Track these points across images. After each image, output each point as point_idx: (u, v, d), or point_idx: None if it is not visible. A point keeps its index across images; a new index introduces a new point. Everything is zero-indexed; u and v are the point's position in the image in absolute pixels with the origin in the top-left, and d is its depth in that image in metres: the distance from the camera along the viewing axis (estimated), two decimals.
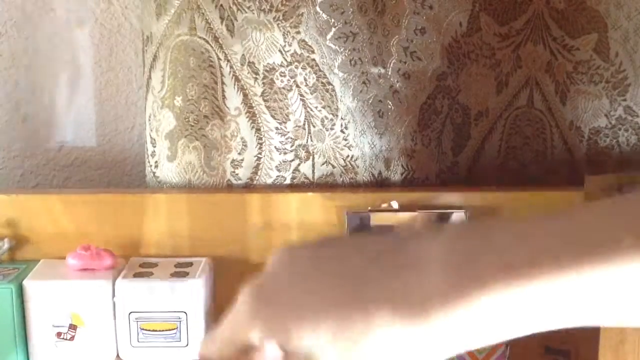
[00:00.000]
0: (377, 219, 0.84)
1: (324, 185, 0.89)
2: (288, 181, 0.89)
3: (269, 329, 0.44)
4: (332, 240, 0.47)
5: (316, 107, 0.87)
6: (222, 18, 0.86)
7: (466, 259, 0.40)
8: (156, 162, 0.91)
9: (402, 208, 0.84)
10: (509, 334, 0.40)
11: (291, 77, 0.87)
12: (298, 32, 0.86)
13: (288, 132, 0.88)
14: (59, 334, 0.80)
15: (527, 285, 0.38)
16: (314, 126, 0.88)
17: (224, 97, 0.88)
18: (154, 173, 0.92)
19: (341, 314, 0.41)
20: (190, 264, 0.84)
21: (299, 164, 0.89)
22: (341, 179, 0.89)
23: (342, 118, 0.88)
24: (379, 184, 0.90)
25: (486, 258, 0.40)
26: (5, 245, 0.84)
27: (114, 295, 0.80)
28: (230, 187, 0.89)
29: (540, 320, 0.40)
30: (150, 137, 0.92)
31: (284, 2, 0.85)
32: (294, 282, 0.45)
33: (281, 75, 0.87)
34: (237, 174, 0.89)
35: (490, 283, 0.39)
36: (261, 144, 0.88)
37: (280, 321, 0.44)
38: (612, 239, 0.38)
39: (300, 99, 0.87)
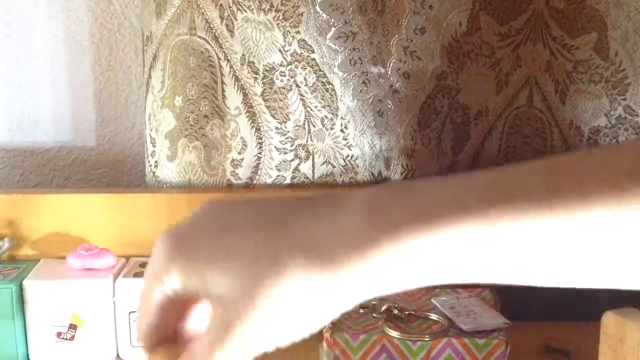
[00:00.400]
0: None
1: (324, 185, 0.89)
2: (288, 181, 0.89)
3: (185, 274, 0.43)
4: (258, 198, 0.47)
5: (316, 107, 0.87)
6: (222, 18, 0.86)
7: (380, 210, 0.40)
8: (156, 161, 0.91)
9: None
10: (417, 282, 0.40)
11: (291, 77, 0.87)
12: (298, 32, 0.86)
13: (288, 131, 0.88)
14: (59, 334, 0.80)
15: (433, 234, 0.39)
16: (314, 126, 0.88)
17: (223, 96, 0.88)
18: (153, 173, 0.92)
19: (253, 258, 0.41)
20: None
21: (299, 164, 0.89)
22: (341, 179, 0.89)
23: (342, 118, 0.88)
24: (379, 183, 0.90)
25: (398, 208, 0.40)
26: (5, 245, 0.84)
27: (114, 295, 0.80)
28: (230, 187, 0.89)
29: (447, 271, 0.40)
30: (150, 137, 0.91)
31: (284, 1, 0.85)
32: (211, 229, 0.44)
33: (281, 75, 0.87)
34: (237, 174, 0.89)
35: (399, 232, 0.39)
36: (261, 143, 0.88)
37: (195, 265, 0.43)
38: (518, 194, 0.38)
39: (300, 99, 0.87)
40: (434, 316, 0.74)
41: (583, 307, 0.86)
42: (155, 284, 0.46)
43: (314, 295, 0.41)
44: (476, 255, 0.39)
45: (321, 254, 0.40)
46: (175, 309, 0.47)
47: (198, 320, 0.49)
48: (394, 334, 0.71)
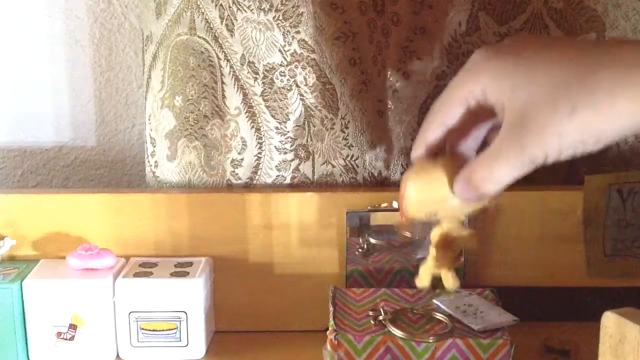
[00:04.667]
0: (377, 218, 0.84)
1: (324, 185, 0.89)
2: (288, 181, 0.89)
3: (495, 78, 0.50)
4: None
5: (316, 107, 0.87)
6: (221, 17, 0.86)
7: None
8: (156, 161, 0.91)
9: None
10: None
11: (291, 77, 0.87)
12: (298, 32, 0.86)
13: (288, 131, 0.88)
14: (59, 334, 0.80)
15: None
16: (314, 126, 0.88)
17: (223, 96, 0.88)
18: (153, 173, 0.92)
19: (568, 75, 0.48)
20: (190, 264, 0.84)
21: (298, 164, 0.89)
22: (341, 179, 0.89)
23: (342, 118, 0.88)
24: (379, 183, 0.90)
25: None
26: (5, 245, 0.84)
27: (114, 295, 0.81)
28: (230, 187, 0.89)
29: None
30: (150, 137, 0.92)
31: (284, 1, 0.85)
32: (527, 46, 0.51)
33: (281, 75, 0.87)
34: (237, 174, 0.89)
35: None
36: (261, 143, 0.88)
37: (507, 69, 0.50)
38: None
39: (300, 99, 0.87)
40: (438, 316, 0.74)
41: (583, 307, 0.86)
42: (459, 90, 0.53)
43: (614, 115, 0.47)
44: None
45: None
46: (463, 124, 0.55)
47: (473, 146, 0.57)
48: (398, 334, 0.71)
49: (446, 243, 0.61)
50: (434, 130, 0.56)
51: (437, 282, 0.63)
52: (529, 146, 0.49)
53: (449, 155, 0.58)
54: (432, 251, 0.61)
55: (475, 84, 0.52)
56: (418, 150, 0.58)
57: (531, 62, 0.50)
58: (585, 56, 0.48)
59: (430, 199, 0.57)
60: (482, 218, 0.84)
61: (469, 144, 0.57)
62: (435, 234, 0.61)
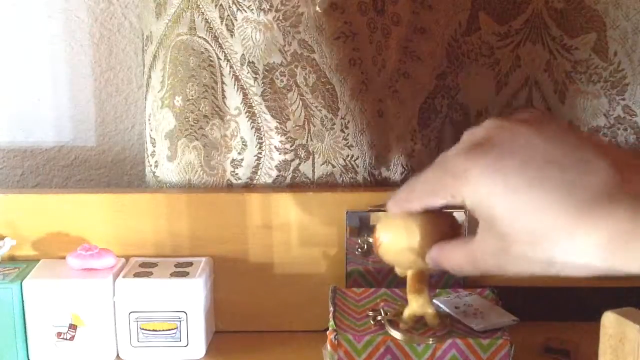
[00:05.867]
0: (377, 218, 0.84)
1: (324, 185, 0.89)
2: (288, 181, 0.89)
3: (483, 175, 0.48)
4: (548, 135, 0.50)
5: (316, 107, 0.87)
6: (221, 17, 0.86)
7: None
8: (156, 161, 0.91)
9: None
10: None
11: (291, 77, 0.87)
12: (298, 32, 0.86)
13: (288, 131, 0.88)
14: (59, 334, 0.80)
15: None
16: (313, 126, 0.88)
17: (223, 96, 0.88)
18: (153, 173, 0.92)
19: (571, 196, 0.45)
20: (190, 264, 0.84)
21: (298, 164, 0.89)
22: (341, 179, 0.89)
23: (342, 117, 0.88)
24: (379, 183, 0.90)
25: None
26: (5, 245, 0.84)
27: (114, 295, 0.81)
28: (230, 187, 0.89)
29: None
30: (150, 137, 0.91)
31: (284, 1, 0.85)
32: (520, 155, 0.47)
33: (281, 75, 0.87)
34: (237, 174, 0.89)
35: None
36: (261, 143, 0.88)
37: (496, 185, 0.47)
38: None
39: (300, 99, 0.87)
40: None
41: (583, 307, 0.86)
42: (440, 193, 0.52)
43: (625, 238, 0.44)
44: None
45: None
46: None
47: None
48: (397, 335, 0.71)
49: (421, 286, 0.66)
50: (415, 205, 0.57)
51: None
52: (507, 269, 0.50)
53: (428, 215, 0.59)
54: (411, 297, 0.66)
55: (458, 195, 0.51)
56: (396, 210, 0.59)
57: (519, 190, 0.47)
58: (575, 200, 0.46)
59: (404, 258, 0.61)
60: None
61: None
62: (408, 282, 0.66)
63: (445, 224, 0.59)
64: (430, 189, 0.54)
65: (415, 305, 0.66)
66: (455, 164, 0.51)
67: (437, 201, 0.54)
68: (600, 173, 0.46)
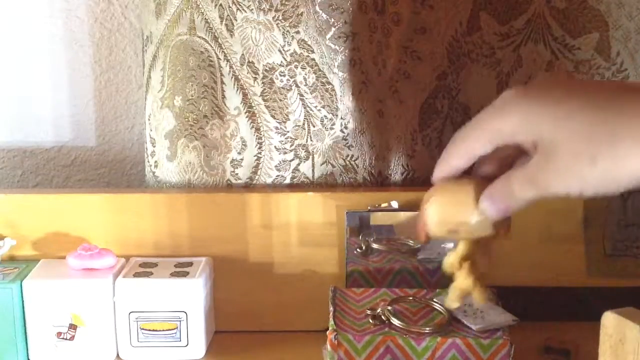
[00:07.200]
0: (376, 218, 0.84)
1: (324, 185, 0.89)
2: (288, 181, 0.89)
3: (524, 120, 0.53)
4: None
5: (316, 107, 0.87)
6: (221, 17, 0.86)
7: None
8: (156, 161, 0.91)
9: (402, 208, 0.84)
10: None
11: (291, 77, 0.87)
12: (298, 32, 0.86)
13: (288, 131, 0.88)
14: (59, 334, 0.81)
15: None
16: (313, 126, 0.88)
17: (223, 96, 0.88)
18: (153, 173, 0.92)
19: (594, 125, 0.51)
20: (190, 264, 0.84)
21: (298, 164, 0.89)
22: (341, 179, 0.89)
23: (341, 118, 0.88)
24: (379, 183, 0.90)
25: None
26: (5, 245, 0.84)
27: (114, 295, 0.80)
28: (230, 187, 0.89)
29: None
30: (150, 137, 0.92)
31: (284, 1, 0.85)
32: (557, 90, 0.53)
33: (281, 75, 0.87)
34: (236, 174, 0.89)
35: None
36: (261, 143, 0.88)
37: (537, 114, 0.53)
38: None
39: (300, 99, 0.87)
40: (437, 307, 0.74)
41: (583, 307, 0.86)
42: (487, 127, 0.55)
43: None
44: None
45: None
46: (490, 153, 0.57)
47: (498, 171, 0.58)
48: (396, 324, 0.71)
49: (469, 261, 0.63)
50: (459, 157, 0.58)
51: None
52: (552, 185, 0.53)
53: (474, 178, 0.60)
54: (457, 273, 0.63)
55: (503, 124, 0.54)
56: (441, 173, 0.60)
57: (558, 107, 0.52)
58: (609, 106, 0.51)
59: (453, 218, 0.60)
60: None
61: (493, 170, 0.59)
62: (455, 257, 0.63)
63: None
64: (473, 133, 0.56)
65: (464, 282, 0.63)
66: (497, 104, 0.55)
67: (482, 144, 0.56)
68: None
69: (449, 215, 0.60)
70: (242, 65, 0.87)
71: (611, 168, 0.50)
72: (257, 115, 0.88)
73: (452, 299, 0.65)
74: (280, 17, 0.85)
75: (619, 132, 0.50)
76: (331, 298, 0.78)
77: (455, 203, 0.59)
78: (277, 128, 0.88)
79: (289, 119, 0.88)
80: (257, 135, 0.88)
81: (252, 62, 0.86)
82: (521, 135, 0.54)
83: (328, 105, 0.87)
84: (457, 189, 0.59)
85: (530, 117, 0.53)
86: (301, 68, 0.86)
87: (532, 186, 0.54)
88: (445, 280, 0.67)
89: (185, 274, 0.81)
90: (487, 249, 0.63)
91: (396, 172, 0.90)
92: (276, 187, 0.89)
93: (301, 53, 0.86)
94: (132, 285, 0.80)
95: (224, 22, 0.86)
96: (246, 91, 0.87)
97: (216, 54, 0.87)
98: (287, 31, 0.85)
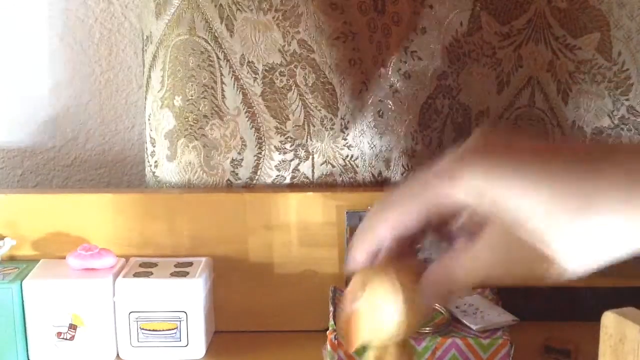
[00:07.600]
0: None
1: (324, 185, 0.89)
2: (288, 181, 0.89)
3: (484, 176, 0.44)
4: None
5: (316, 107, 0.87)
6: (221, 17, 0.86)
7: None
8: (156, 161, 0.91)
9: None
10: None
11: (291, 77, 0.87)
12: (298, 32, 0.85)
13: (287, 131, 0.88)
14: (59, 334, 0.80)
15: None
16: (313, 126, 0.88)
17: (223, 96, 0.88)
18: (153, 173, 0.92)
19: (563, 185, 0.43)
20: (190, 264, 0.84)
21: (298, 164, 0.89)
22: (341, 179, 0.89)
23: (341, 118, 0.88)
24: (379, 183, 0.90)
25: None
26: (5, 245, 0.84)
27: (114, 295, 0.80)
28: (230, 187, 0.89)
29: None
30: (150, 137, 0.91)
31: (284, 1, 0.85)
32: (514, 148, 0.45)
33: (281, 75, 0.86)
34: (236, 174, 0.89)
35: None
36: (261, 143, 0.88)
37: (499, 171, 0.44)
38: None
39: (300, 99, 0.87)
40: (437, 308, 0.74)
41: (583, 307, 0.86)
42: (434, 191, 0.45)
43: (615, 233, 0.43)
44: None
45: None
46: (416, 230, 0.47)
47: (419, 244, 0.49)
48: None
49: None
50: (384, 233, 0.47)
51: None
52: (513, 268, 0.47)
53: (392, 260, 0.48)
54: None
55: (458, 186, 0.45)
56: (360, 257, 0.48)
57: (529, 173, 0.44)
58: (584, 172, 0.43)
59: (383, 321, 0.47)
60: None
61: (414, 245, 0.50)
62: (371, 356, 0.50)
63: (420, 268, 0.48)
64: (410, 199, 0.46)
65: None
66: (442, 167, 0.46)
67: (422, 212, 0.46)
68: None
69: (380, 317, 0.47)
70: (242, 65, 0.87)
71: (588, 236, 0.43)
72: (257, 115, 0.87)
73: None
74: (280, 17, 0.85)
75: (595, 200, 0.43)
76: (331, 298, 0.78)
77: (385, 304, 0.47)
78: (277, 128, 0.88)
79: (288, 119, 0.87)
80: (257, 135, 0.88)
81: (252, 62, 0.86)
82: (477, 198, 0.44)
83: (328, 105, 0.87)
84: (385, 282, 0.47)
85: (495, 177, 0.44)
86: (301, 68, 0.86)
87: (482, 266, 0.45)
88: None
89: (185, 274, 0.81)
90: (409, 349, 0.51)
91: (396, 172, 0.90)
92: (276, 187, 0.89)
93: (301, 53, 0.86)
94: (132, 285, 0.80)
95: (224, 22, 0.86)
96: (246, 91, 0.87)
97: (216, 54, 0.87)
98: (287, 31, 0.85)
